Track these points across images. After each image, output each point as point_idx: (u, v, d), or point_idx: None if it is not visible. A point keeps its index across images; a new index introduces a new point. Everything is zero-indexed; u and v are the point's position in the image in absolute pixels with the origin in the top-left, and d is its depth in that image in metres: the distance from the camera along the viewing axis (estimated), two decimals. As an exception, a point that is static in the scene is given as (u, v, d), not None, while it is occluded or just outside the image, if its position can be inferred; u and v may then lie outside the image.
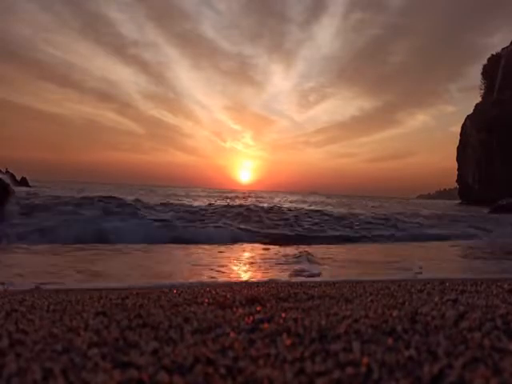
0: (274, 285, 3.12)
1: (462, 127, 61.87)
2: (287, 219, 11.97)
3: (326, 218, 12.69)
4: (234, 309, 1.57)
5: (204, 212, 12.12)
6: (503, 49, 61.49)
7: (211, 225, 10.36)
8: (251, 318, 1.37)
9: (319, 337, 1.13)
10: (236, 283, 3.91)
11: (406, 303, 1.66)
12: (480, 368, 0.87)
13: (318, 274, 4.96)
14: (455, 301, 1.69)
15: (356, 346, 1.03)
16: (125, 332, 1.21)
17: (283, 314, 1.43)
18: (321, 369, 0.88)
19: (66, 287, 3.52)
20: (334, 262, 6.31)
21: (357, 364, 0.90)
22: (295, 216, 12.50)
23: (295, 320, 1.32)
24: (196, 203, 15.89)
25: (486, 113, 54.12)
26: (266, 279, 4.48)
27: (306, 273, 5.03)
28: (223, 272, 5.06)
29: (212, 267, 5.34)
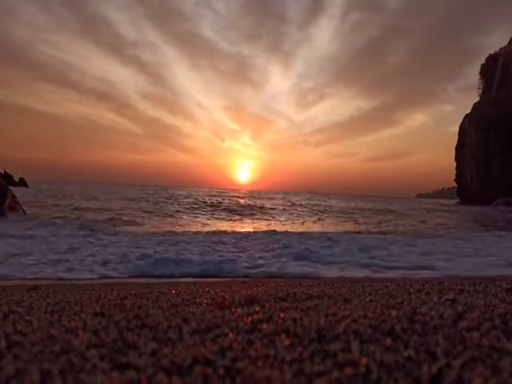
0: (272, 284, 3.12)
1: (461, 126, 61.92)
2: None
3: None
4: (233, 309, 1.57)
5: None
6: (501, 48, 61.56)
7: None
8: (250, 318, 1.37)
9: (318, 337, 1.13)
10: (234, 283, 3.91)
11: (405, 303, 1.66)
12: (479, 368, 0.87)
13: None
14: (454, 300, 1.69)
15: (355, 346, 1.03)
16: (123, 333, 1.20)
17: (282, 314, 1.42)
18: (320, 369, 0.87)
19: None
20: None
21: (356, 364, 0.90)
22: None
23: (294, 320, 1.32)
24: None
25: (484, 112, 54.18)
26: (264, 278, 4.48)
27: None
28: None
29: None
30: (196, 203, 20.22)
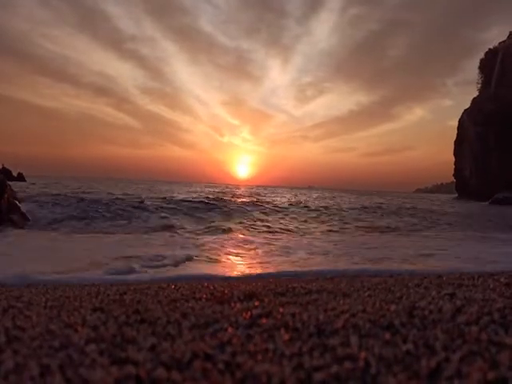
0: (271, 279, 3.13)
1: (459, 121, 61.81)
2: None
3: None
4: (232, 304, 1.57)
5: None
6: (500, 43, 61.35)
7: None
8: (249, 313, 1.37)
9: (317, 331, 1.13)
10: (234, 278, 3.92)
11: (404, 297, 1.67)
12: (477, 362, 0.87)
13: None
14: (452, 295, 1.70)
15: (354, 340, 1.03)
16: (122, 328, 1.20)
17: (281, 309, 1.43)
18: (319, 363, 0.88)
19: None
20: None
21: (355, 358, 0.90)
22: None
23: (293, 315, 1.32)
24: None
25: (483, 107, 54.11)
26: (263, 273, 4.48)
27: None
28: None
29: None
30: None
